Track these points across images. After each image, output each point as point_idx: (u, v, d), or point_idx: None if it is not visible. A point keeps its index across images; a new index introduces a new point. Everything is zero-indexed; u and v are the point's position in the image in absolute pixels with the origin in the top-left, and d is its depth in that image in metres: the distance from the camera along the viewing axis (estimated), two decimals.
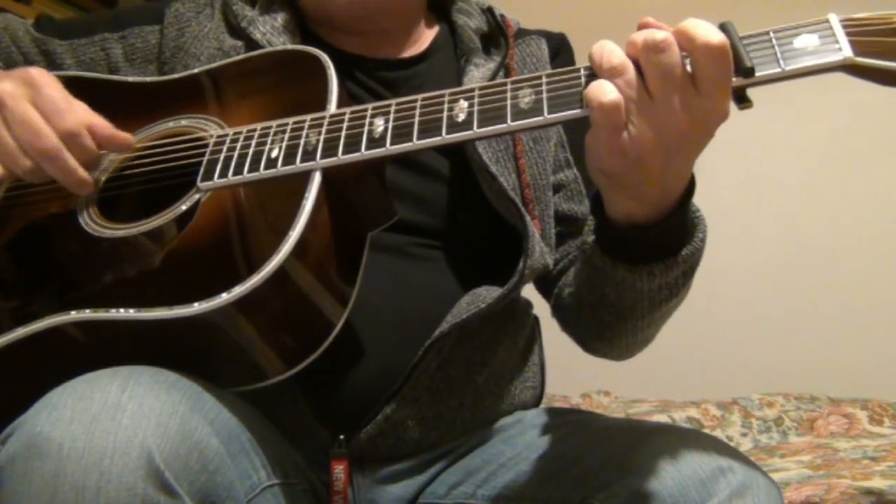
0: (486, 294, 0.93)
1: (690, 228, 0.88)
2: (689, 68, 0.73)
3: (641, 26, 0.75)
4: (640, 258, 0.87)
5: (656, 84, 0.73)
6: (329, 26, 1.09)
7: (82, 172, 0.87)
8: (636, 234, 0.84)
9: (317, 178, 0.81)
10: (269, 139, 0.85)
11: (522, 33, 1.15)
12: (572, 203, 1.11)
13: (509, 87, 0.80)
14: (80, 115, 0.87)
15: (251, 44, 1.03)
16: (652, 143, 0.75)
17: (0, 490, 0.66)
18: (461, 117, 0.80)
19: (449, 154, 1.02)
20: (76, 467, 0.63)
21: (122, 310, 0.76)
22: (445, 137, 0.79)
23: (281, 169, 0.83)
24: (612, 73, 0.74)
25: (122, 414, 0.66)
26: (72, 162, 0.86)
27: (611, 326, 0.98)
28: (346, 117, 0.84)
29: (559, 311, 1.09)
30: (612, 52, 0.75)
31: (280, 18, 1.06)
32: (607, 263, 0.89)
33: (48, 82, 0.87)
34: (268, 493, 0.80)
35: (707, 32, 0.72)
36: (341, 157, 0.81)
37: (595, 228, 0.91)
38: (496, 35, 1.12)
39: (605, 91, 0.73)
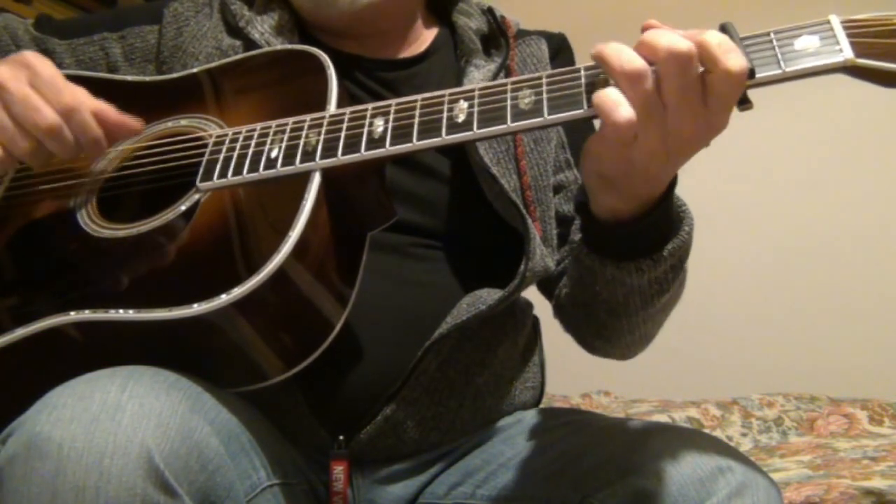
0: (487, 296, 0.93)
1: (676, 222, 0.88)
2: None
3: (646, 28, 0.74)
4: (627, 254, 0.87)
5: (674, 94, 0.72)
6: (326, 30, 1.09)
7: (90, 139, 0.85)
8: (622, 229, 0.84)
9: (316, 179, 0.80)
10: (269, 139, 0.85)
11: (522, 34, 1.15)
12: (573, 204, 1.11)
13: (509, 87, 0.80)
14: (80, 94, 0.85)
15: (249, 43, 1.03)
16: (657, 150, 0.74)
17: (0, 490, 0.65)
18: (461, 118, 0.80)
19: (450, 155, 1.02)
20: (76, 467, 0.63)
21: (121, 310, 0.76)
22: (445, 138, 0.79)
23: (280, 169, 0.82)
24: (633, 80, 0.72)
25: (121, 414, 0.66)
26: (71, 137, 0.84)
27: (607, 325, 0.98)
28: (346, 117, 0.84)
29: (559, 312, 1.09)
30: (631, 58, 0.72)
31: (278, 18, 1.06)
32: (595, 261, 0.89)
33: (46, 63, 0.86)
34: (267, 493, 0.80)
35: (732, 59, 0.70)
36: (341, 158, 0.81)
37: (581, 227, 0.91)
38: (496, 36, 1.11)
39: (619, 109, 0.72)
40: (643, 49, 0.73)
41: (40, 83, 0.84)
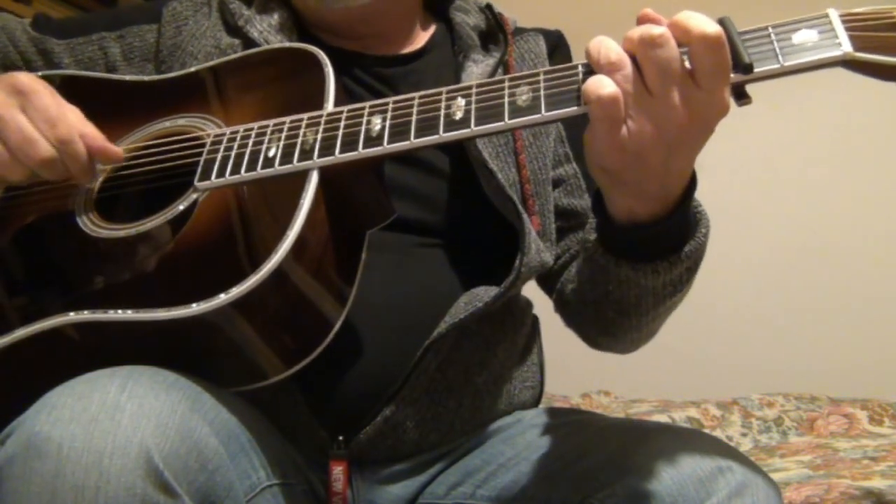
0: (484, 293, 0.93)
1: (693, 224, 0.88)
2: (687, 64, 0.73)
3: (640, 18, 0.75)
4: (643, 256, 0.87)
5: (654, 79, 0.73)
6: (324, 29, 1.09)
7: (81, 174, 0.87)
8: (639, 232, 0.84)
9: (314, 178, 0.80)
10: (267, 138, 0.85)
11: (519, 31, 1.15)
12: (573, 198, 1.11)
13: (507, 84, 0.79)
14: (73, 122, 0.86)
15: (248, 42, 1.03)
16: (652, 139, 0.74)
17: None
18: (458, 115, 0.79)
19: (448, 150, 1.02)
20: (75, 467, 0.63)
21: (120, 311, 0.76)
22: (443, 136, 0.79)
23: (278, 168, 0.82)
24: (610, 69, 0.74)
25: (121, 414, 0.66)
26: (64, 166, 0.85)
27: (615, 322, 0.98)
28: (344, 116, 0.84)
29: (562, 308, 1.09)
30: (609, 48, 0.74)
31: (277, 17, 1.06)
32: (610, 262, 0.89)
33: (38, 89, 0.86)
34: (267, 493, 0.80)
35: (702, 24, 0.72)
36: (338, 156, 0.81)
37: (597, 226, 0.91)
38: (494, 32, 1.12)
39: (602, 85, 0.73)
40: (623, 42, 0.75)
41: (34, 112, 0.85)
